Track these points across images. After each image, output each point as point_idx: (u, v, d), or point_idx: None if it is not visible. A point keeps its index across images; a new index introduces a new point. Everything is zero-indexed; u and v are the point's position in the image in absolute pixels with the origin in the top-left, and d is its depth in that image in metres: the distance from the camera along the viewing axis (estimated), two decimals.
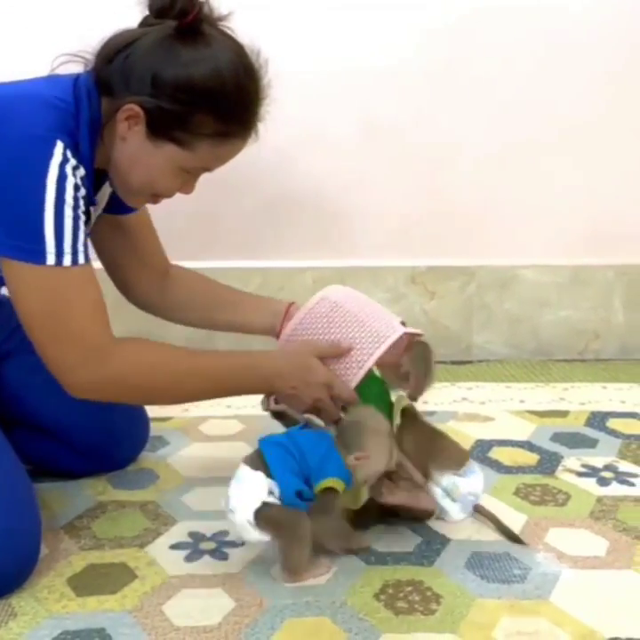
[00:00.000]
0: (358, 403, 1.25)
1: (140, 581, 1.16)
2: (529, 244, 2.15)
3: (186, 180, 1.23)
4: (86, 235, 1.18)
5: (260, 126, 1.24)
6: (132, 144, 1.18)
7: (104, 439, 1.47)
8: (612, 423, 1.73)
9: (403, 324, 1.30)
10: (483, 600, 1.11)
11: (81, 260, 1.11)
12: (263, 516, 1.11)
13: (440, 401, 1.84)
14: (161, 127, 1.15)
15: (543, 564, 1.20)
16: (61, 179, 1.09)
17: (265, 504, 1.12)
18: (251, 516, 1.11)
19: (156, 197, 1.27)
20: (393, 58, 2.02)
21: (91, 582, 1.16)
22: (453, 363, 2.11)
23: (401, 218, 2.13)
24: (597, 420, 1.75)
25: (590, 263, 2.15)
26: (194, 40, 1.14)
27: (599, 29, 2.02)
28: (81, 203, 1.13)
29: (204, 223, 2.11)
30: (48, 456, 1.46)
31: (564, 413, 1.79)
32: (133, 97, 1.14)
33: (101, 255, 1.46)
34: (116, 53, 1.15)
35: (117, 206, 1.36)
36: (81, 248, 1.12)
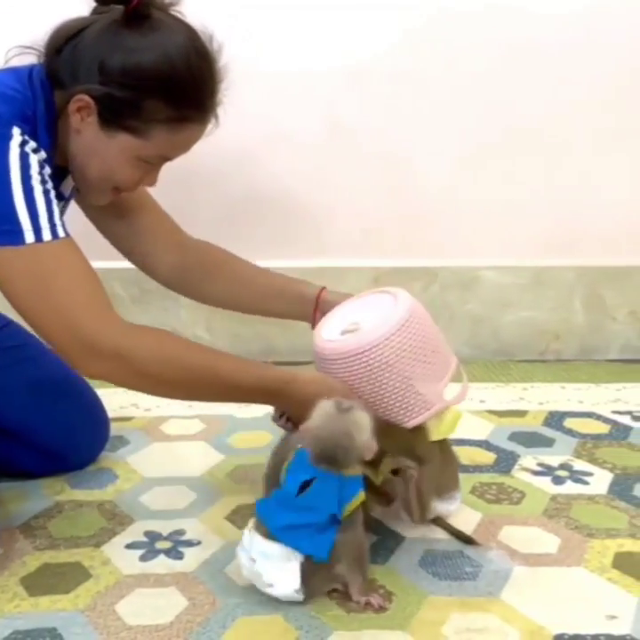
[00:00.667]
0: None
1: (94, 581, 1.16)
2: (491, 246, 2.17)
3: (146, 171, 1.22)
4: (61, 212, 1.18)
5: (221, 113, 1.22)
6: (86, 136, 1.16)
7: (63, 439, 1.46)
8: (569, 423, 1.75)
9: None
10: (434, 597, 1.13)
11: (61, 233, 1.08)
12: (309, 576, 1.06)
13: None
14: (113, 116, 1.13)
15: (495, 562, 1.21)
16: (23, 156, 1.07)
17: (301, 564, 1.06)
18: (297, 585, 1.05)
19: (117, 191, 1.25)
20: (359, 59, 2.03)
21: (44, 582, 1.16)
22: None
23: (365, 219, 2.14)
24: (555, 419, 1.77)
25: (551, 265, 2.18)
26: (141, 25, 1.12)
27: (563, 33, 2.05)
28: (48, 179, 1.11)
29: None
30: (6, 456, 1.45)
31: (522, 413, 1.81)
32: (82, 86, 1.12)
33: (118, 245, 1.48)
34: (64, 43, 1.14)
35: None
36: (58, 222, 1.09)
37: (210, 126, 1.23)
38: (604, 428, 1.73)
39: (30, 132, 1.11)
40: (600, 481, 1.48)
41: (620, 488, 1.45)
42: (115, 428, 1.61)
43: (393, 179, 2.14)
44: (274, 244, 2.14)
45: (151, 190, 1.42)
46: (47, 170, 1.11)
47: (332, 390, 1.13)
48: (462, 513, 1.35)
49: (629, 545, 1.26)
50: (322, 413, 1.05)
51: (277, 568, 1.05)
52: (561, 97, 2.08)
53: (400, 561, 1.22)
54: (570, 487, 1.46)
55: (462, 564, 1.21)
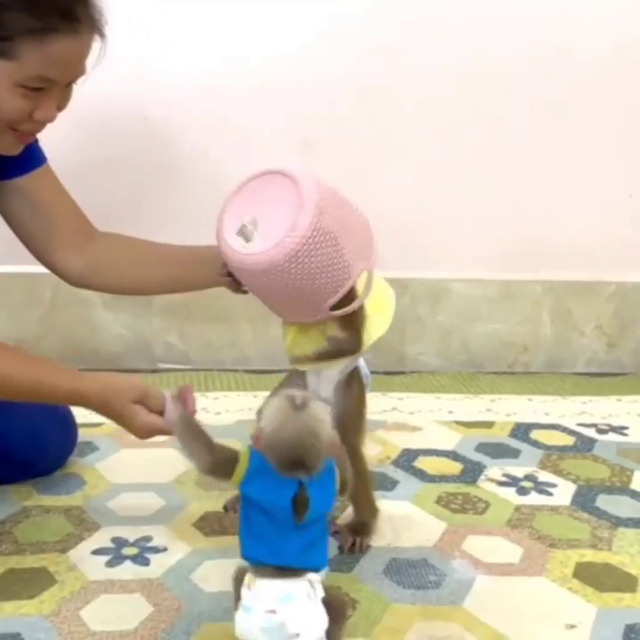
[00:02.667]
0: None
1: (59, 586, 1.16)
2: (461, 259, 2.20)
3: (34, 100, 1.12)
4: None
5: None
6: None
7: (30, 445, 1.45)
8: (536, 434, 1.78)
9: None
10: (397, 605, 1.14)
11: None
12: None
13: (371, 411, 1.86)
14: None
15: (458, 571, 1.23)
16: None
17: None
18: (322, 633, 0.92)
19: (15, 130, 1.17)
20: (326, 70, 2.05)
21: (9, 587, 1.16)
22: (386, 373, 2.15)
23: None
24: (521, 431, 1.79)
25: (519, 278, 2.21)
26: None
27: (526, 43, 2.08)
28: None
29: (132, 223, 2.11)
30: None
31: (489, 424, 1.83)
32: None
33: (14, 229, 1.40)
34: None
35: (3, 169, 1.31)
36: None
37: (95, 44, 1.16)
38: (568, 440, 1.75)
39: None
40: (564, 492, 1.51)
41: (582, 499, 1.48)
42: (83, 434, 1.61)
43: (364, 192, 2.13)
44: None
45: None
46: None
47: (112, 407, 1.19)
48: (426, 522, 1.37)
49: (590, 555, 1.28)
50: (276, 413, 0.93)
51: (303, 608, 0.90)
52: (532, 113, 2.12)
53: (365, 569, 1.23)
54: (534, 498, 1.48)
55: (426, 573, 1.22)
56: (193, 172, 2.09)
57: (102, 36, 1.17)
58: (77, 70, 1.16)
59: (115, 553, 1.25)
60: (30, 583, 1.17)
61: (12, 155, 1.25)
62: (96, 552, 1.25)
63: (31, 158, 1.35)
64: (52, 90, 1.13)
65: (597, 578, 1.22)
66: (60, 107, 1.19)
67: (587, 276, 2.23)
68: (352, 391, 1.27)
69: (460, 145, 2.12)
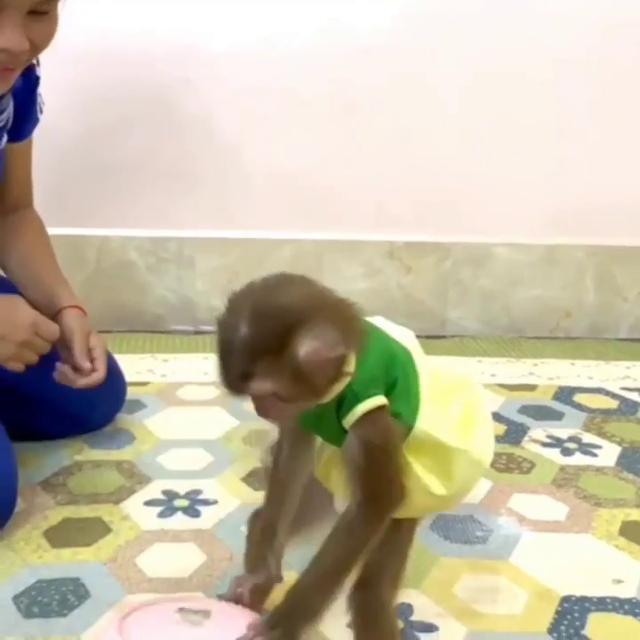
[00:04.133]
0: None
1: (114, 535, 1.20)
2: (504, 223, 2.19)
3: None
4: None
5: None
6: None
7: (80, 402, 1.49)
8: (579, 398, 1.78)
9: None
10: (445, 559, 1.16)
11: None
12: None
13: None
14: None
15: (504, 527, 1.24)
16: None
17: None
18: None
19: None
20: (372, 32, 2.04)
21: (66, 535, 1.19)
22: (428, 337, 2.15)
23: (379, 193, 2.16)
24: (565, 394, 1.79)
25: (562, 243, 2.20)
26: None
27: (576, 9, 2.05)
28: None
29: (180, 190, 2.13)
30: (24, 420, 1.46)
31: (532, 387, 1.83)
32: None
33: None
34: None
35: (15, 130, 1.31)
36: None
37: None
38: (612, 404, 1.75)
39: None
40: (608, 454, 1.51)
41: (627, 461, 1.48)
42: (131, 393, 1.64)
43: (408, 155, 2.15)
44: (292, 217, 2.16)
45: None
46: None
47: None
48: None
49: (636, 514, 1.29)
50: None
51: None
52: (577, 75, 2.09)
53: None
54: (578, 459, 1.49)
55: (473, 528, 1.24)
56: (238, 133, 2.09)
57: None
58: None
59: (166, 504, 1.28)
60: (86, 532, 1.20)
61: None
62: (148, 503, 1.28)
63: (23, 130, 1.34)
64: (5, 12, 1.04)
65: None
66: (36, 40, 1.10)
67: (630, 241, 2.21)
68: None
69: (503, 108, 2.11)
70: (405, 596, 1.07)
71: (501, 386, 1.83)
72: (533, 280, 2.22)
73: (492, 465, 1.41)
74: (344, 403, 0.78)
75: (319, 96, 2.08)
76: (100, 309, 2.10)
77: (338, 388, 0.77)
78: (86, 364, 1.32)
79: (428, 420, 0.82)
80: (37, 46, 1.12)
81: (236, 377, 0.74)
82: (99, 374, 1.33)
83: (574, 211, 2.19)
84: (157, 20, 1.99)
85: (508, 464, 1.45)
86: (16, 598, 1.04)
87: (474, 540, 1.21)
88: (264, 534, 0.93)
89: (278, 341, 0.72)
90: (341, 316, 0.76)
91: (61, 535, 1.19)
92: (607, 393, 1.81)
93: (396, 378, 0.80)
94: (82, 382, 1.32)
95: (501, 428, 1.61)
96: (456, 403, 0.87)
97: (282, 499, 0.91)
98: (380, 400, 0.78)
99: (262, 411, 0.77)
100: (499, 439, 1.55)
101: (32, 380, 1.43)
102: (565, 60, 2.08)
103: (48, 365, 1.43)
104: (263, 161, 2.13)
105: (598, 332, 2.24)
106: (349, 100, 2.09)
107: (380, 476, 0.79)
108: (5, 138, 1.30)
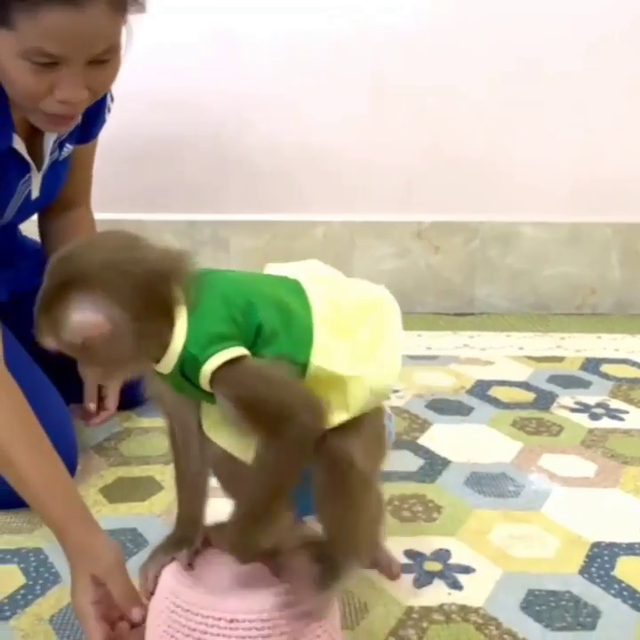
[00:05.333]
0: None
1: (166, 492, 1.27)
2: (530, 202, 2.24)
3: (47, 77, 1.06)
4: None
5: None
6: None
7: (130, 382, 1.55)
8: (606, 368, 1.83)
9: None
10: (479, 510, 1.22)
11: None
12: None
13: (442, 347, 1.94)
14: None
15: (536, 483, 1.31)
16: None
17: None
18: None
19: (47, 113, 1.12)
20: (399, 15, 2.09)
21: (121, 492, 1.27)
22: (456, 314, 2.21)
23: (407, 175, 2.22)
24: (592, 365, 1.85)
25: (588, 221, 2.24)
26: None
27: None
28: None
29: (214, 176, 2.20)
30: (77, 395, 1.50)
31: (560, 359, 1.89)
32: None
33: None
34: None
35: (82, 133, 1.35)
36: None
37: (129, 18, 1.09)
38: (638, 374, 1.80)
39: None
40: (635, 418, 1.56)
41: None
42: None
43: (435, 136, 2.20)
44: (322, 198, 2.22)
45: None
46: None
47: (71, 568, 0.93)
48: (503, 442, 1.44)
49: None
50: None
51: None
52: (608, 53, 2.13)
53: (447, 481, 1.31)
54: (606, 422, 1.54)
55: (505, 484, 1.30)
56: (269, 120, 2.16)
57: (134, 8, 1.09)
58: (88, 47, 1.05)
59: None
60: (140, 489, 1.28)
61: (57, 133, 1.25)
62: None
63: (91, 132, 1.38)
64: (66, 67, 1.05)
65: None
66: (94, 88, 1.11)
67: None
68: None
69: (528, 91, 2.15)
70: (442, 542, 1.14)
71: (529, 358, 1.89)
72: (559, 258, 2.26)
73: (523, 428, 1.50)
74: (186, 368, 0.74)
75: (349, 80, 2.14)
76: None
77: (153, 351, 0.74)
78: (91, 407, 1.42)
79: (320, 353, 0.77)
80: (96, 93, 1.13)
81: (37, 328, 0.74)
82: (108, 413, 1.44)
83: (599, 189, 2.23)
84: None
85: (538, 427, 1.51)
86: None
87: (507, 494, 1.27)
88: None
89: (54, 309, 0.72)
90: (145, 275, 0.72)
91: (117, 492, 1.27)
92: (633, 363, 1.86)
93: (259, 322, 0.75)
94: (93, 423, 1.43)
95: (530, 396, 1.66)
96: (366, 326, 0.82)
97: (194, 481, 0.89)
98: (227, 354, 0.72)
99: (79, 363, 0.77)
100: (528, 405, 1.61)
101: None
102: (592, 42, 2.12)
103: None
104: (293, 146, 2.19)
105: (623, 308, 2.28)
106: (378, 84, 2.15)
107: (266, 415, 0.73)
108: (69, 149, 1.36)
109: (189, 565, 0.84)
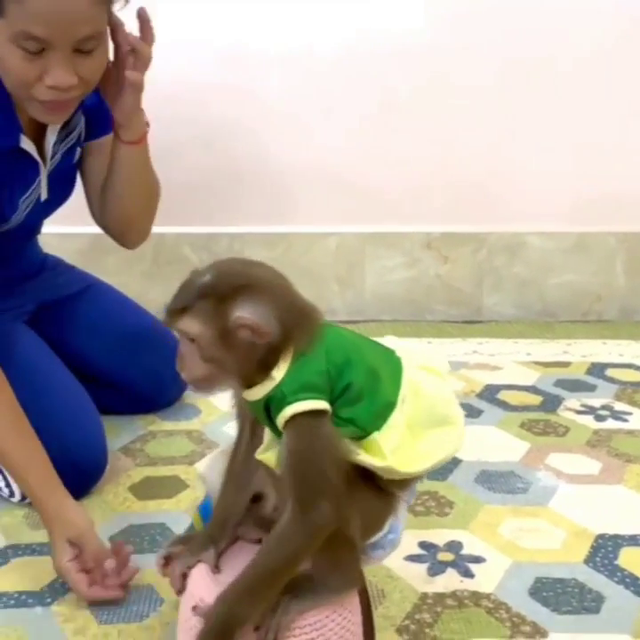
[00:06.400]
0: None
1: (191, 490, 1.34)
2: (536, 213, 2.30)
3: (37, 63, 1.12)
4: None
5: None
6: None
7: (153, 389, 1.62)
8: (611, 372, 1.89)
9: None
10: (490, 506, 1.29)
11: None
12: None
13: (451, 353, 2.01)
14: None
15: (543, 480, 1.37)
16: None
17: None
18: None
19: (40, 100, 1.16)
20: (407, 34, 2.17)
21: (149, 490, 1.34)
22: (465, 322, 2.28)
23: (417, 187, 2.28)
24: (597, 369, 1.91)
25: (593, 230, 2.31)
26: None
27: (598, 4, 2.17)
28: None
29: (230, 190, 2.27)
30: (101, 401, 1.54)
31: (566, 364, 1.95)
32: None
33: (83, 181, 1.47)
34: None
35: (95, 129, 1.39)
36: None
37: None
38: None
39: None
40: (639, 419, 1.62)
41: None
42: None
43: (443, 150, 2.27)
44: (334, 212, 2.29)
45: None
46: None
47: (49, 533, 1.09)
48: (512, 442, 1.51)
49: None
50: None
51: None
52: (609, 63, 2.19)
53: (459, 479, 1.38)
54: (611, 423, 1.60)
55: (514, 481, 1.37)
56: (282, 135, 2.23)
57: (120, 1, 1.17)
58: (72, 31, 1.10)
59: None
60: (166, 487, 1.35)
61: (53, 124, 1.29)
62: None
63: (106, 125, 1.39)
64: (52, 52, 1.11)
65: None
66: (84, 76, 1.16)
67: None
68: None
69: (531, 104, 2.22)
70: (454, 535, 1.20)
71: (537, 363, 1.95)
72: (565, 266, 2.33)
73: (530, 429, 1.56)
74: (272, 403, 0.79)
75: (359, 97, 2.21)
76: (158, 301, 2.25)
77: (253, 376, 0.79)
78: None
79: (387, 434, 0.81)
80: (87, 81, 1.18)
81: (176, 307, 0.80)
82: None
83: (603, 199, 2.30)
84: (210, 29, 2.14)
85: (545, 429, 1.57)
86: (112, 539, 1.19)
87: (516, 490, 1.33)
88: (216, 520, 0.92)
89: (224, 296, 0.77)
90: (292, 311, 0.79)
91: (145, 490, 1.34)
92: (638, 368, 1.92)
93: (350, 382, 0.79)
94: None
95: (538, 399, 1.73)
96: (431, 435, 0.84)
97: (236, 487, 0.91)
98: (311, 405, 0.77)
99: (180, 357, 0.81)
100: (536, 408, 1.68)
101: (112, 371, 1.59)
102: (590, 52, 2.19)
103: (119, 348, 1.58)
104: (307, 161, 2.26)
105: (629, 314, 2.34)
106: (387, 100, 2.22)
107: (305, 486, 0.77)
108: (78, 152, 1.42)
109: (216, 568, 0.87)
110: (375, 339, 0.90)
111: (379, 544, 0.86)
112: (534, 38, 2.19)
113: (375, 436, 0.80)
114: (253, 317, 0.76)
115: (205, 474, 0.99)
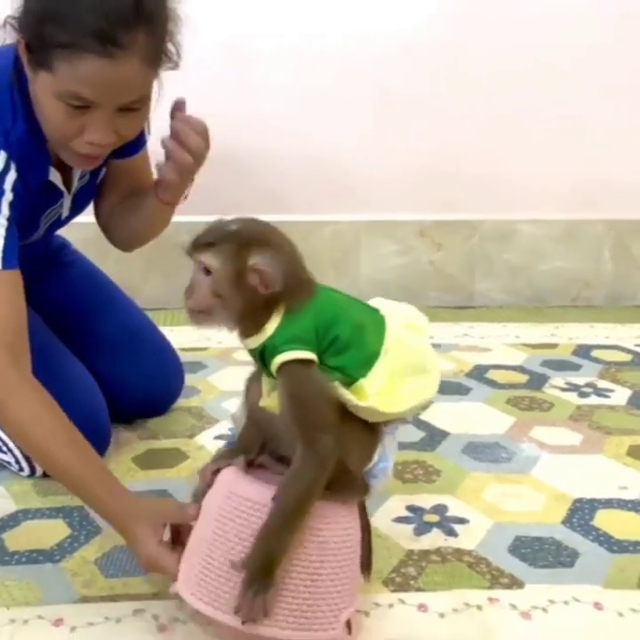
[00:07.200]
0: None
1: (192, 460, 1.41)
2: (526, 201, 2.37)
3: (79, 119, 1.12)
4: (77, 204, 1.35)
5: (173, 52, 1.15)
6: (32, 83, 1.14)
7: (146, 405, 1.59)
8: (596, 353, 1.96)
9: None
10: (475, 473, 1.36)
11: (8, 265, 1.16)
12: None
13: (443, 336, 2.07)
14: (32, 51, 1.11)
15: (526, 451, 1.44)
16: None
17: None
18: None
19: (76, 152, 1.18)
20: (405, 31, 2.24)
21: (151, 461, 1.41)
22: (457, 307, 2.34)
23: (411, 176, 2.36)
24: (583, 350, 1.98)
25: (581, 218, 2.38)
26: None
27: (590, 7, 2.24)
28: (5, 209, 1.18)
29: (228, 180, 2.34)
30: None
31: (553, 346, 2.02)
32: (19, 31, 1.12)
33: (105, 198, 1.47)
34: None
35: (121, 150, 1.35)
36: (10, 253, 1.16)
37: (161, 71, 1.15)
38: (626, 357, 1.94)
39: (8, 124, 1.17)
40: (620, 395, 1.70)
41: (638, 400, 1.67)
42: (192, 356, 1.86)
43: (436, 140, 2.34)
44: (331, 201, 2.36)
45: None
46: (7, 197, 1.17)
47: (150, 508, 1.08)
48: (498, 417, 1.58)
49: None
50: None
51: None
52: (597, 57, 2.27)
53: (446, 449, 1.45)
54: (593, 400, 1.67)
55: (499, 451, 1.44)
56: (282, 126, 2.30)
57: (169, 65, 1.16)
58: (119, 95, 1.11)
59: (233, 438, 1.49)
60: (168, 458, 1.42)
61: (85, 170, 1.32)
62: (218, 437, 1.50)
63: (135, 146, 1.41)
64: (97, 111, 1.11)
65: None
66: (122, 133, 1.16)
67: None
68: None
69: (522, 98, 2.29)
70: (440, 499, 1.28)
71: (525, 345, 2.02)
72: (555, 253, 2.40)
73: (516, 405, 1.63)
74: (265, 352, 0.89)
75: (357, 90, 2.28)
76: (158, 288, 2.32)
77: (249, 324, 0.90)
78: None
79: (372, 380, 0.90)
80: (123, 138, 1.18)
81: (202, 241, 0.90)
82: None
83: (591, 188, 2.37)
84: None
85: (531, 405, 1.64)
86: None
87: (500, 459, 1.40)
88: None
89: (246, 243, 0.89)
90: (294, 272, 0.90)
91: (147, 461, 1.41)
92: (622, 349, 1.99)
93: (337, 335, 0.89)
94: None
95: (524, 378, 1.80)
96: (410, 383, 0.94)
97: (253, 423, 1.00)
98: (298, 354, 0.87)
99: (189, 289, 0.91)
100: (522, 386, 1.75)
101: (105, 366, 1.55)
102: (582, 50, 2.26)
103: (119, 375, 1.55)
104: (304, 152, 2.33)
105: (616, 300, 2.41)
106: (383, 93, 2.29)
107: (305, 423, 0.88)
108: (103, 172, 1.43)
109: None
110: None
111: (372, 473, 0.97)
112: (528, 34, 2.26)
113: (362, 381, 0.90)
114: (265, 267, 0.87)
115: (237, 416, 1.07)
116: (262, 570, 0.86)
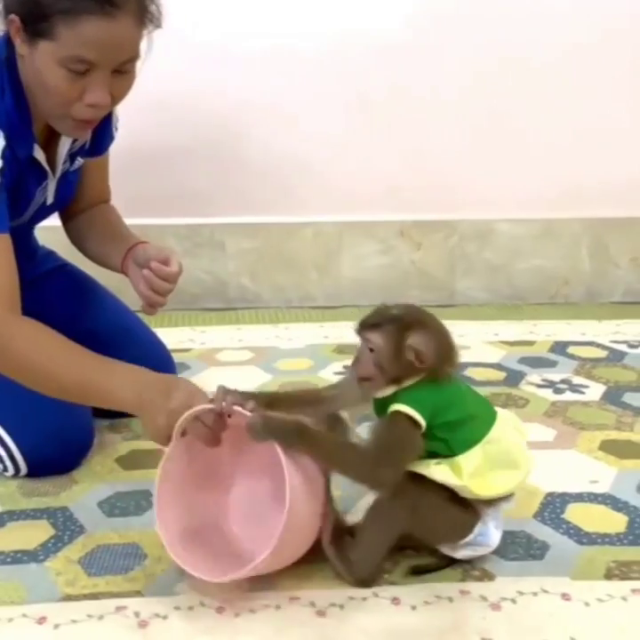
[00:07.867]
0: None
1: None
2: (505, 200, 2.41)
3: (79, 83, 1.18)
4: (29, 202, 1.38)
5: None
6: (26, 59, 1.19)
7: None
8: (572, 349, 2.00)
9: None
10: None
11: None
12: None
13: None
14: (28, 24, 1.16)
15: None
16: None
17: None
18: None
19: (73, 119, 1.24)
20: (384, 33, 2.27)
21: (135, 461, 1.44)
22: (438, 306, 2.37)
23: (391, 177, 2.39)
24: (559, 347, 2.02)
25: (559, 217, 2.42)
26: None
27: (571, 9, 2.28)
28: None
29: (212, 182, 2.37)
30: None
31: (531, 343, 2.06)
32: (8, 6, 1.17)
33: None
34: None
35: (93, 147, 1.48)
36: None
37: (144, 30, 1.22)
38: (602, 354, 1.97)
39: None
40: (594, 391, 1.73)
41: (611, 396, 1.70)
42: (176, 358, 1.87)
43: (416, 141, 2.38)
44: (312, 201, 2.39)
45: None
46: None
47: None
48: None
49: (615, 435, 1.52)
50: None
51: None
52: (572, 59, 2.30)
53: None
54: (568, 396, 1.71)
55: None
56: (263, 129, 2.33)
57: (153, 25, 1.23)
58: (117, 54, 1.18)
59: None
60: (151, 458, 1.43)
61: (79, 138, 1.39)
62: None
63: (100, 147, 1.52)
64: (95, 73, 1.17)
65: (619, 450, 1.45)
66: (116, 94, 1.23)
67: (621, 213, 2.42)
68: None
69: (499, 101, 2.33)
70: None
71: (503, 342, 2.06)
72: (533, 252, 2.44)
73: (493, 402, 1.64)
74: (388, 400, 1.07)
75: (336, 93, 2.31)
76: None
77: (400, 383, 1.07)
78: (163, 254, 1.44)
79: (466, 462, 1.06)
80: (116, 99, 1.26)
81: (369, 323, 1.07)
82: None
83: (569, 188, 2.40)
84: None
85: (507, 401, 1.68)
86: (100, 504, 1.29)
87: None
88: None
89: (406, 326, 1.05)
90: (444, 351, 1.06)
91: (131, 461, 1.44)
92: (598, 345, 2.03)
93: (449, 420, 1.06)
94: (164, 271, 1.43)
95: (502, 375, 1.83)
96: (502, 474, 1.09)
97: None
98: (407, 410, 1.04)
99: (356, 360, 1.08)
100: (499, 383, 1.79)
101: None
102: (558, 50, 2.30)
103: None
104: (285, 154, 2.36)
105: (594, 297, 2.46)
106: (362, 96, 2.32)
107: (381, 447, 1.05)
108: (80, 161, 1.48)
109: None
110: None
111: (469, 545, 1.10)
112: (507, 35, 2.29)
113: (459, 458, 1.06)
114: (420, 347, 1.03)
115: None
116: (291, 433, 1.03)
